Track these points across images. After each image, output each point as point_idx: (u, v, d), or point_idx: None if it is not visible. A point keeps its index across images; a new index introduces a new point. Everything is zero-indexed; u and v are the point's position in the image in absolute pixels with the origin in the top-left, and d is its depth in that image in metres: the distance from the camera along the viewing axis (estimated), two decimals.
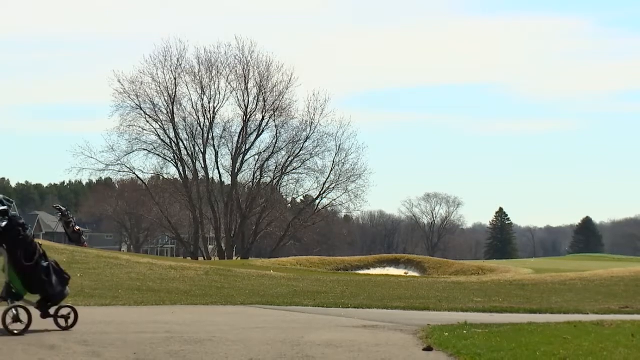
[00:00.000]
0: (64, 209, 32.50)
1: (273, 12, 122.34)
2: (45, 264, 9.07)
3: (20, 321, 8.57)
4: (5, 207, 9.03)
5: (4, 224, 8.88)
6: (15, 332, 8.47)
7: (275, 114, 59.62)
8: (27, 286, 8.97)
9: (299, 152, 60.31)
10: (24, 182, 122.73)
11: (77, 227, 31.46)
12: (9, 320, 8.52)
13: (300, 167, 61.26)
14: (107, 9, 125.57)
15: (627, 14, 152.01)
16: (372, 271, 34.26)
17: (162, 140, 58.82)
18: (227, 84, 59.32)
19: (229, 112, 68.40)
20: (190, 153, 59.65)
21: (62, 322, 9.01)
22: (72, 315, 9.07)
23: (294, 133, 60.30)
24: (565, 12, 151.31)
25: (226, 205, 60.47)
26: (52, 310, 9.02)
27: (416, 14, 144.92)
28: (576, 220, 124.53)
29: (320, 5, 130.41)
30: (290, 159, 60.71)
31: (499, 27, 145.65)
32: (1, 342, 7.75)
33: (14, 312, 8.59)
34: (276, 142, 60.20)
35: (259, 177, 61.55)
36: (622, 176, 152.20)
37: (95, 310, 11.42)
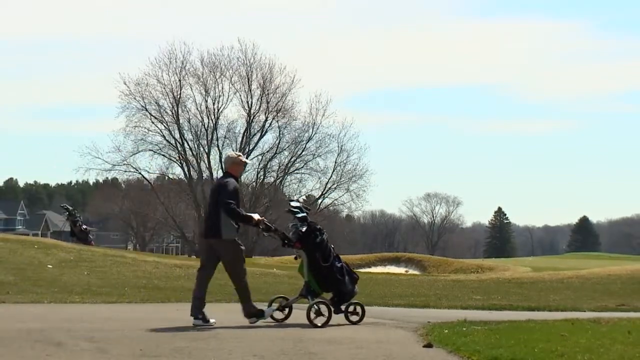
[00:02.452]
0: (71, 208, 32.69)
1: (274, 14, 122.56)
2: (339, 264, 9.85)
3: (322, 315, 9.49)
4: (305, 214, 9.79)
5: (303, 229, 9.65)
6: (318, 325, 9.40)
7: (278, 115, 60.02)
8: (322, 285, 9.77)
9: (302, 152, 60.66)
10: (32, 182, 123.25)
11: (84, 226, 31.65)
12: (312, 315, 9.44)
13: (302, 167, 61.61)
14: (111, 12, 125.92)
15: (626, 16, 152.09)
16: (374, 269, 34.39)
17: (167, 140, 59.28)
18: (231, 85, 59.80)
19: (233, 113, 68.66)
20: (194, 153, 60.08)
21: (352, 317, 9.87)
22: (360, 311, 9.92)
23: (297, 134, 60.71)
24: (564, 14, 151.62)
25: None
26: (342, 307, 9.85)
27: (417, 16, 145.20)
28: (574, 220, 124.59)
29: (321, 7, 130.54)
30: (293, 160, 61.08)
31: (499, 29, 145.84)
32: (8, 339, 7.83)
33: (316, 307, 9.52)
34: (279, 143, 60.60)
35: (262, 177, 61.92)
36: (619, 176, 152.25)
37: (102, 308, 11.52)
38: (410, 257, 42.15)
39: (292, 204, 10.15)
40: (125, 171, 60.13)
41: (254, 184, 62.32)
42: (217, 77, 59.42)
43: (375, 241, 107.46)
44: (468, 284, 21.29)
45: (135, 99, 57.93)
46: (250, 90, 59.72)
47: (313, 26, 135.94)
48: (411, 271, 35.56)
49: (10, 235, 30.03)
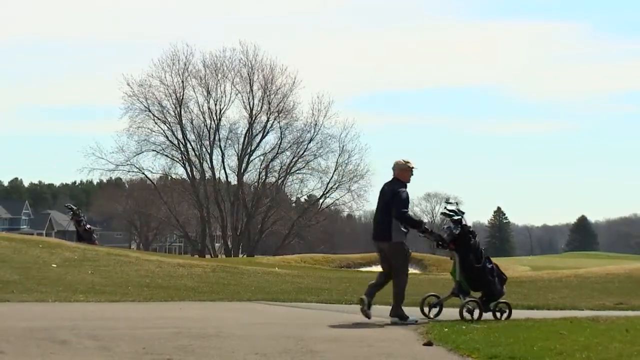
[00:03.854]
0: (75, 208, 32.78)
1: (275, 15, 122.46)
2: (489, 266, 10.31)
3: (473, 312, 10.02)
4: (459, 217, 10.26)
5: (457, 231, 10.13)
6: (468, 319, 9.90)
7: (280, 115, 60.30)
8: (473, 284, 10.21)
9: (303, 153, 60.90)
10: (36, 182, 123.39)
11: (88, 226, 31.74)
12: (465, 312, 9.97)
13: (304, 167, 61.85)
14: (114, 14, 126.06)
15: (624, 18, 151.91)
16: (374, 268, 34.38)
17: (170, 141, 59.62)
18: (232, 86, 60.20)
19: (235, 114, 69.03)
20: (197, 154, 60.37)
21: (499, 315, 10.28)
22: (507, 310, 10.36)
23: (298, 134, 61.01)
24: (563, 15, 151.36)
25: (232, 205, 60.94)
26: (491, 306, 10.29)
27: (417, 19, 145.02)
28: (572, 219, 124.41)
29: (322, 8, 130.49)
30: (294, 160, 61.29)
31: (499, 30, 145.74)
32: (14, 338, 7.88)
33: (468, 305, 10.08)
34: (281, 143, 60.87)
35: (264, 177, 62.12)
36: (618, 176, 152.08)
37: (106, 306, 11.57)
38: (411, 256, 42.20)
39: (448, 207, 10.61)
40: (129, 171, 60.64)
41: (256, 184, 62.51)
42: (219, 78, 59.82)
43: None
44: None
45: (138, 100, 58.37)
46: (252, 91, 60.05)
47: (314, 27, 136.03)
48: (412, 270, 35.56)
49: (15, 234, 30.16)
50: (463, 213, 10.45)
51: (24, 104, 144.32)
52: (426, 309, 10.38)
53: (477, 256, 10.25)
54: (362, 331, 9.11)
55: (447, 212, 10.50)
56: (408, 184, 10.23)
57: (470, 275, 10.20)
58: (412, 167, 10.27)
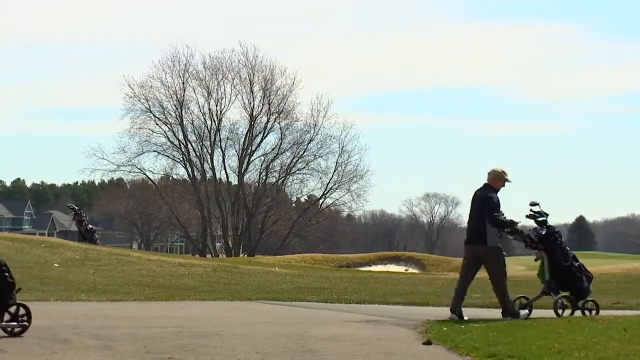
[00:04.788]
0: (77, 208, 32.86)
1: (274, 16, 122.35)
2: (576, 264, 10.76)
3: (566, 308, 10.59)
4: (544, 218, 10.76)
5: (543, 232, 10.62)
6: (587, 315, 10.44)
7: (280, 116, 60.49)
8: (561, 283, 10.67)
9: (303, 153, 61.05)
10: (39, 182, 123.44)
11: (90, 226, 31.80)
12: (558, 309, 10.51)
13: (304, 167, 61.99)
14: (115, 15, 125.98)
15: (624, 19, 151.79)
16: (374, 268, 34.46)
17: (171, 142, 59.81)
18: (233, 87, 60.40)
19: (235, 115, 69.02)
20: (198, 154, 60.53)
21: (587, 313, 10.68)
22: (595, 308, 10.75)
23: (298, 135, 61.17)
24: (562, 17, 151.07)
25: (233, 205, 61.09)
26: (579, 303, 10.71)
27: (416, 18, 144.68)
28: (570, 219, 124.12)
29: (321, 9, 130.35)
30: (294, 160, 61.45)
31: (498, 31, 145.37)
32: (16, 337, 7.95)
33: (560, 302, 10.63)
34: (281, 144, 61.05)
35: (264, 178, 62.27)
36: (616, 176, 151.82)
37: (107, 306, 11.63)
38: (410, 256, 42.28)
39: (533, 208, 10.96)
40: (130, 172, 60.83)
41: (257, 184, 62.66)
42: (219, 79, 60.04)
43: (376, 240, 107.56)
44: None
45: (139, 101, 58.58)
46: (252, 92, 60.25)
47: (314, 28, 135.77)
48: (411, 270, 35.64)
49: (17, 234, 30.26)
50: (547, 214, 10.90)
51: (26, 105, 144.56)
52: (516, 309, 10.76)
53: (564, 255, 10.73)
54: (362, 330, 9.14)
55: (532, 213, 10.89)
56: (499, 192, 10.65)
57: (558, 274, 10.65)
58: (507, 179, 10.69)
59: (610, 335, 8.49)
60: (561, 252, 10.75)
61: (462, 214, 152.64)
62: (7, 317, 8.08)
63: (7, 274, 8.22)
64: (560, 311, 10.60)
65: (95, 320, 9.27)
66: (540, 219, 10.84)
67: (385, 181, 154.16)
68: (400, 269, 35.23)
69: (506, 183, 10.69)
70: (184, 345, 7.72)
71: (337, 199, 62.94)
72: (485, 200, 10.45)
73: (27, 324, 8.12)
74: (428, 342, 8.12)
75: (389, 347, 7.91)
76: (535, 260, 11.02)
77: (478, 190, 10.68)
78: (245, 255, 55.26)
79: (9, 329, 8.06)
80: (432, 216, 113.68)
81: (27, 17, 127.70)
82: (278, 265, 28.03)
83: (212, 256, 58.67)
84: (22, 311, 8.13)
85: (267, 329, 9.03)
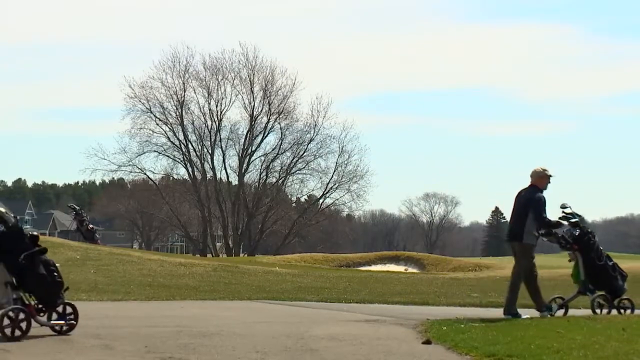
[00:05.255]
0: (78, 208, 32.92)
1: (274, 17, 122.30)
2: (610, 263, 11.07)
3: (603, 307, 10.95)
4: (577, 220, 11.05)
5: (577, 233, 10.93)
6: (623, 313, 10.79)
7: (280, 116, 60.65)
8: (596, 282, 10.96)
9: (303, 153, 61.22)
10: (40, 182, 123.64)
11: (91, 226, 31.88)
12: (596, 308, 10.76)
13: (304, 168, 62.15)
14: (116, 16, 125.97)
15: (623, 20, 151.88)
16: (374, 268, 34.47)
17: (171, 142, 59.98)
18: (233, 88, 60.56)
19: (236, 115, 69.34)
20: (198, 154, 60.65)
21: (622, 311, 10.99)
22: (630, 306, 11.06)
23: (299, 135, 61.35)
24: (562, 17, 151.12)
25: (233, 205, 61.16)
26: (615, 302, 11.05)
27: (416, 19, 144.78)
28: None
29: (321, 10, 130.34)
30: (294, 160, 61.60)
31: (498, 32, 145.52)
32: (24, 337, 7.93)
33: (598, 301, 10.90)
34: (281, 144, 61.21)
35: (264, 178, 62.38)
36: (614, 176, 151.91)
37: (108, 305, 11.66)
38: (410, 255, 42.30)
39: (566, 210, 11.24)
40: (131, 172, 61.03)
41: (257, 184, 62.76)
42: (220, 80, 60.18)
43: (376, 240, 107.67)
44: (466, 281, 21.46)
45: (140, 101, 58.75)
46: (252, 93, 60.41)
47: (313, 29, 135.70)
48: (410, 269, 35.69)
49: None
50: (580, 216, 11.20)
51: (27, 105, 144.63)
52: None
53: (598, 255, 11.05)
54: (362, 330, 9.16)
55: (565, 215, 11.14)
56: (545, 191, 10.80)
57: (593, 273, 10.91)
58: (550, 175, 10.83)
59: (609, 334, 8.51)
60: (595, 252, 11.04)
61: (462, 214, 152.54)
62: (55, 316, 8.23)
63: (56, 274, 8.34)
64: (597, 310, 10.83)
65: (96, 320, 9.29)
66: (573, 220, 11.10)
67: (385, 181, 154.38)
68: (400, 268, 35.27)
69: (550, 179, 10.85)
70: (185, 344, 7.74)
71: (337, 199, 63.17)
72: (532, 201, 10.62)
73: (75, 323, 8.29)
74: (427, 342, 8.14)
75: (388, 346, 7.94)
76: (569, 261, 11.26)
77: (523, 190, 10.87)
78: (246, 255, 55.37)
79: (57, 328, 8.22)
80: (431, 216, 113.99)
81: (27, 17, 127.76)
82: (278, 264, 28.06)
83: (213, 256, 58.76)
84: (69, 310, 8.29)
85: (268, 329, 9.05)
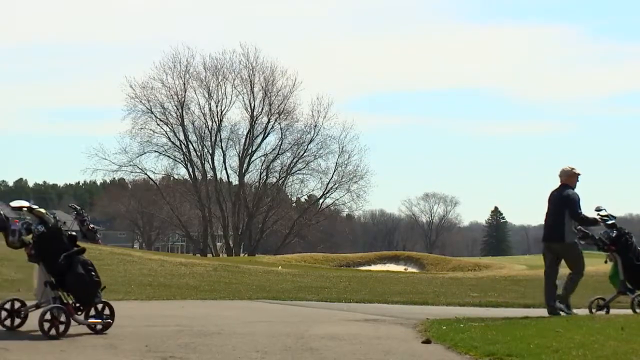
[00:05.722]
0: (79, 207, 32.95)
1: (275, 17, 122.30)
2: None
3: None
4: (613, 221, 11.37)
5: (613, 234, 11.30)
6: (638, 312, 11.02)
7: (280, 117, 60.80)
8: (636, 282, 11.18)
9: (304, 153, 61.37)
10: (41, 182, 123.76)
11: (92, 225, 31.84)
12: (637, 308, 11.13)
13: (304, 168, 62.30)
14: (117, 16, 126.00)
15: (623, 20, 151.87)
16: (373, 267, 34.56)
17: (172, 142, 60.14)
18: (233, 88, 60.71)
19: (236, 115, 69.61)
20: (199, 154, 60.77)
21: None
22: None
23: (299, 135, 61.51)
24: (562, 18, 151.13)
25: (234, 205, 61.23)
26: None
27: (416, 19, 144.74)
28: None
29: (321, 10, 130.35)
30: (295, 160, 61.73)
31: (497, 32, 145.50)
32: (25, 336, 8.02)
33: (638, 300, 11.18)
34: (281, 144, 61.36)
35: (265, 178, 62.48)
36: (614, 176, 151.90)
37: None
38: (409, 255, 42.44)
39: (601, 212, 11.46)
40: (132, 172, 61.25)
41: (257, 184, 62.85)
42: (220, 80, 60.32)
43: (375, 240, 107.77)
44: (465, 281, 21.47)
45: (141, 102, 58.94)
46: (253, 93, 60.56)
47: (313, 29, 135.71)
48: (410, 269, 35.80)
49: None
50: (615, 217, 11.45)
51: (28, 106, 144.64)
52: (594, 310, 11.33)
53: (636, 255, 11.30)
54: (362, 329, 9.18)
55: (602, 217, 11.36)
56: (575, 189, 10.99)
57: (632, 273, 11.10)
58: (578, 173, 11.00)
59: (608, 334, 8.51)
60: (633, 252, 11.25)
61: (461, 214, 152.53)
62: (92, 314, 8.32)
63: (93, 274, 8.44)
64: (638, 310, 11.01)
65: None
66: (610, 222, 11.33)
67: (384, 181, 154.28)
68: (400, 268, 35.36)
69: (579, 177, 11.01)
70: (185, 344, 7.76)
71: (337, 199, 63.34)
72: (568, 198, 10.79)
73: (111, 322, 8.37)
74: (427, 341, 8.15)
75: (388, 345, 7.95)
76: (606, 262, 11.45)
77: (555, 190, 11.02)
78: (246, 255, 55.42)
79: (94, 326, 8.30)
80: (431, 216, 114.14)
81: (27, 17, 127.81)
82: (280, 264, 28.09)
83: (213, 256, 58.82)
84: (106, 309, 8.39)
85: (268, 328, 9.07)
